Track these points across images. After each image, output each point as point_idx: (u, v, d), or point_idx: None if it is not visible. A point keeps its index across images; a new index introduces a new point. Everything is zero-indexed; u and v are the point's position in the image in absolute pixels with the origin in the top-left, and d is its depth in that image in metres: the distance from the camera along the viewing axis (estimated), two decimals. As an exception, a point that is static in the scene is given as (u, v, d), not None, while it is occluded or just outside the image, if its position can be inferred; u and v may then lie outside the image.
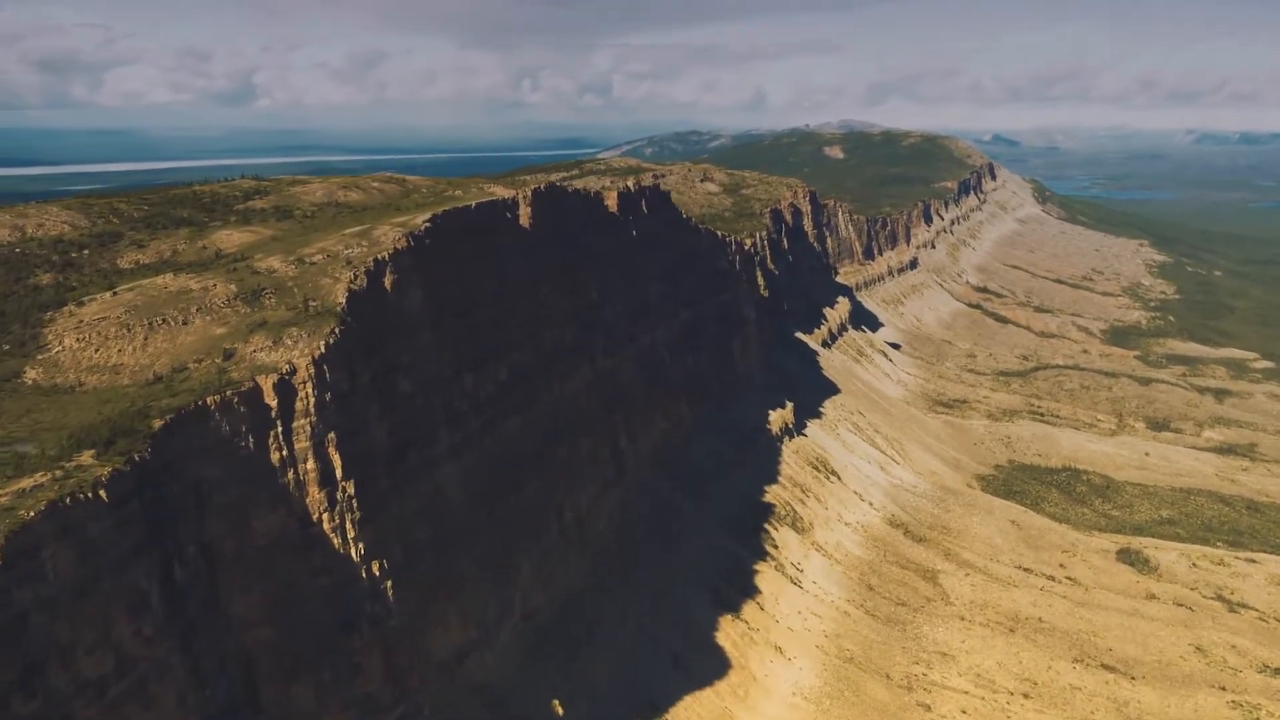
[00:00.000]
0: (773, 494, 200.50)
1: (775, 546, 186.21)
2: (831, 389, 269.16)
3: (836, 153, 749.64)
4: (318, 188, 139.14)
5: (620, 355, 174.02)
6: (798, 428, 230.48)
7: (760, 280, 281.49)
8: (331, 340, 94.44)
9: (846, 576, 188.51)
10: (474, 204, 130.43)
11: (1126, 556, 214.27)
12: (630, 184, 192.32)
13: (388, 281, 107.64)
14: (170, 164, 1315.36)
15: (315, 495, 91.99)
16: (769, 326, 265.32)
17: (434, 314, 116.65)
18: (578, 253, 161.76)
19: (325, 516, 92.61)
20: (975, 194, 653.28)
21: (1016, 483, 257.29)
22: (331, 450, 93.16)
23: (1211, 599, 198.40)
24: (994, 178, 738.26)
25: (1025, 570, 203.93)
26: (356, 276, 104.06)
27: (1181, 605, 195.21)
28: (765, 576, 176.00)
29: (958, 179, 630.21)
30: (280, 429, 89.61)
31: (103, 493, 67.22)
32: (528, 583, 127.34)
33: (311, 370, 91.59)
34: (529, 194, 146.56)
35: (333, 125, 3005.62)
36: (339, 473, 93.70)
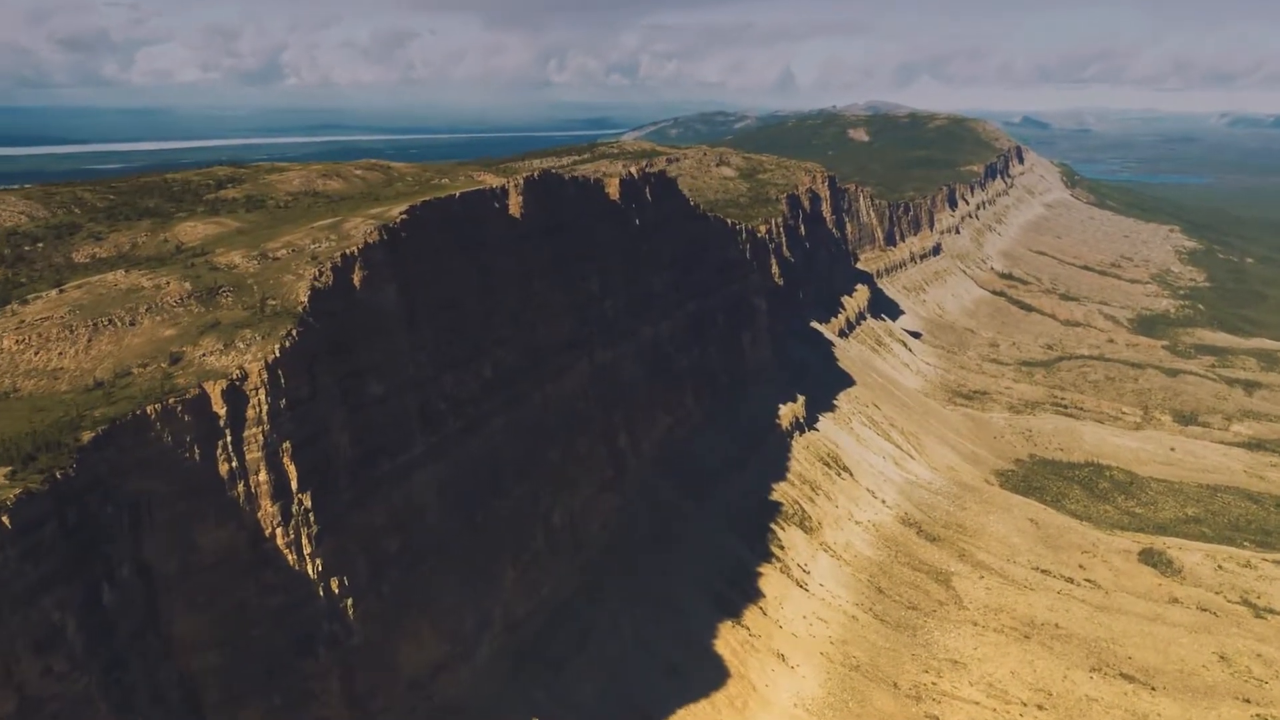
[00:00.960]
0: (781, 492, 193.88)
1: (781, 547, 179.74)
2: (847, 381, 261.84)
3: (861, 135, 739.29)
4: (295, 176, 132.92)
5: (621, 350, 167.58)
6: (809, 422, 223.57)
7: (775, 268, 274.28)
8: (288, 343, 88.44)
9: (855, 579, 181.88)
10: (458, 194, 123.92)
11: (1149, 557, 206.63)
12: (634, 171, 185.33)
13: (357, 278, 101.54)
14: (199, 143, 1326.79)
15: (268, 509, 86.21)
16: (782, 317, 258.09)
17: (410, 311, 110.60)
18: (575, 243, 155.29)
19: (279, 531, 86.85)
20: (1002, 178, 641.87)
21: (1037, 478, 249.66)
22: (286, 460, 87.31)
23: (1237, 603, 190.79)
24: (1021, 161, 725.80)
25: (1043, 572, 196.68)
26: (322, 273, 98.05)
27: (1205, 610, 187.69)
28: (770, 579, 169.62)
29: (984, 162, 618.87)
30: (230, 439, 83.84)
31: (5, 519, 61.42)
32: (511, 592, 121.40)
33: (264, 376, 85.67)
34: (520, 182, 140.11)
35: (360, 104, 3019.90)
36: (294, 484, 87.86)
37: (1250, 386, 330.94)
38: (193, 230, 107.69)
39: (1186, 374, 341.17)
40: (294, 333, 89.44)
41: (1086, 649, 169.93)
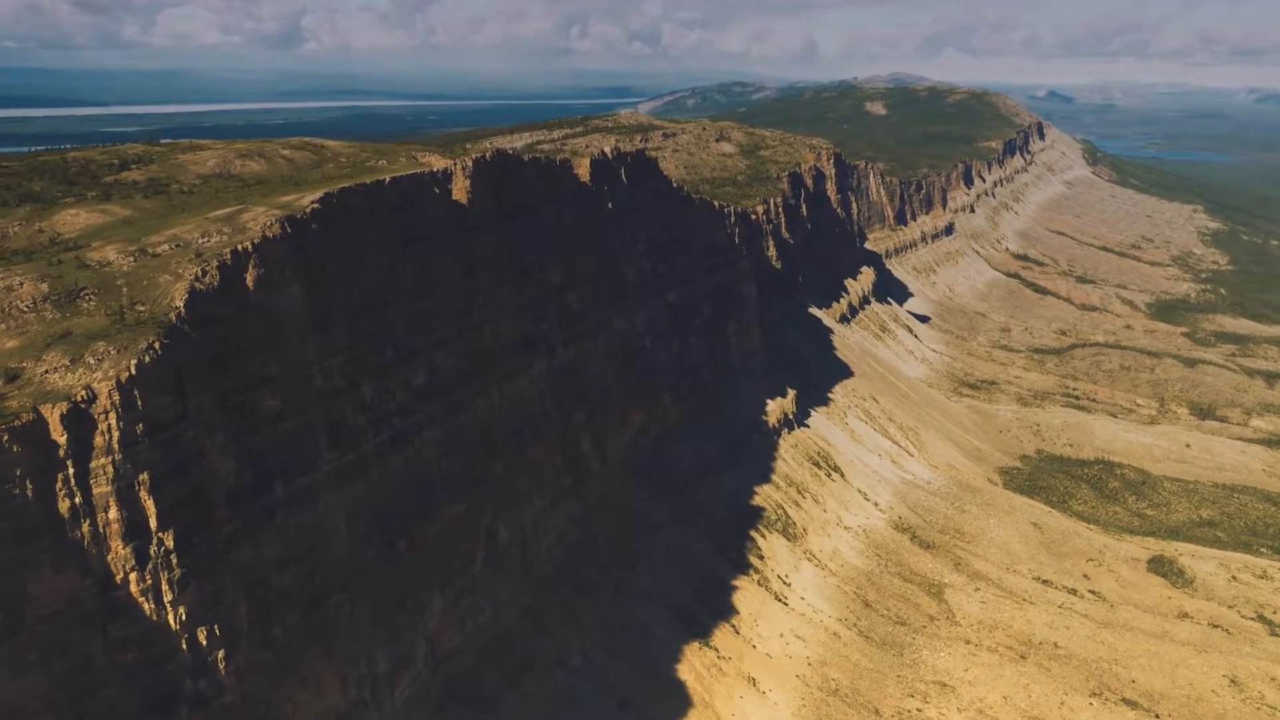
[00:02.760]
0: (763, 495, 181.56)
1: (761, 557, 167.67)
2: (844, 371, 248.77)
3: (878, 108, 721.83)
4: (211, 156, 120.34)
5: (586, 346, 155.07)
6: (800, 418, 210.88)
7: (772, 250, 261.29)
8: (149, 357, 76.36)
9: (840, 591, 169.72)
10: (387, 179, 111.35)
11: (1159, 566, 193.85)
12: (608, 149, 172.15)
13: (250, 277, 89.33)
14: (218, 106, 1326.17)
15: (119, 551, 74.47)
16: (777, 303, 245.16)
17: (321, 313, 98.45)
18: (534, 231, 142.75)
19: (132, 577, 75.11)
20: (1021, 154, 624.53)
21: (1043, 477, 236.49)
22: (143, 494, 75.48)
23: (1251, 619, 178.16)
24: (1042, 137, 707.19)
25: (1044, 583, 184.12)
26: (206, 272, 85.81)
27: (1217, 626, 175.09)
28: (745, 593, 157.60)
29: (1003, 138, 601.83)
30: (72, 471, 72.10)
31: None
32: (439, 623, 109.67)
33: (116, 397, 73.76)
34: (468, 165, 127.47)
35: (380, 70, 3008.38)
36: (153, 521, 76.06)
37: (1272, 378, 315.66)
38: (73, 219, 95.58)
39: (1205, 363, 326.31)
40: (157, 345, 77.33)
41: (1087, 671, 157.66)
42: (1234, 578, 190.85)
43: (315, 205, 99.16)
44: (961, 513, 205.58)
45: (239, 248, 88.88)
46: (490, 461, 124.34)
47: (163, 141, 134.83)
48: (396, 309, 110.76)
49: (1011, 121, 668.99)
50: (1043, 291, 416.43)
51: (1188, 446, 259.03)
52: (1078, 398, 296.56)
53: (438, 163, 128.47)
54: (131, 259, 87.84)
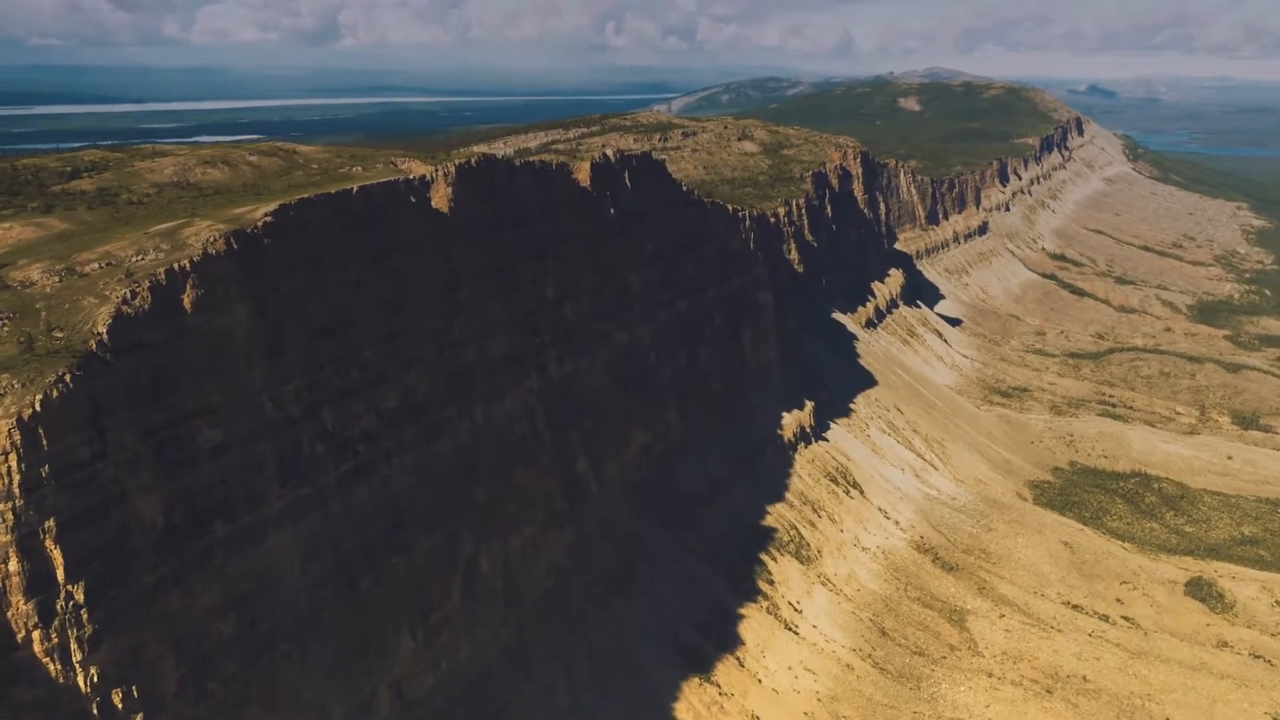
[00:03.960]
0: (776, 515, 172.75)
1: (771, 582, 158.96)
2: (867, 380, 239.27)
3: (912, 104, 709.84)
4: (170, 163, 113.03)
5: (584, 361, 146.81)
6: (818, 431, 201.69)
7: (794, 254, 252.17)
8: (58, 391, 68.88)
9: (856, 618, 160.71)
10: (355, 188, 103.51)
11: (1197, 589, 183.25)
12: (610, 152, 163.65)
13: (187, 299, 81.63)
14: (254, 103, 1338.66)
15: (20, 607, 67.07)
16: (798, 309, 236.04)
17: (273, 336, 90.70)
18: (526, 241, 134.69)
19: (35, 635, 67.67)
20: (1059, 151, 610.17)
21: (1076, 491, 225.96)
22: (49, 543, 68.01)
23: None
24: (1081, 133, 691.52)
25: (1074, 608, 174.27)
26: (135, 294, 78.17)
27: (1259, 657, 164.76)
28: (752, 622, 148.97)
29: (1041, 134, 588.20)
30: (-36, 520, 64.73)
31: None
32: (408, 665, 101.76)
33: (17, 436, 66.30)
34: (450, 171, 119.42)
35: (415, 66, 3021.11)
36: (60, 573, 68.59)
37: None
38: (4, 234, 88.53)
39: (1249, 369, 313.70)
40: (68, 377, 69.80)
41: (1118, 708, 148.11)
42: (1278, 602, 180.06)
43: (268, 219, 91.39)
44: (988, 531, 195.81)
45: (175, 266, 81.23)
46: (471, 488, 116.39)
47: (127, 146, 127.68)
48: (364, 328, 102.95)
49: (1049, 117, 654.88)
50: (1080, 293, 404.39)
51: (1229, 458, 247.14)
52: (1114, 405, 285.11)
53: (418, 169, 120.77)
54: (57, 279, 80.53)
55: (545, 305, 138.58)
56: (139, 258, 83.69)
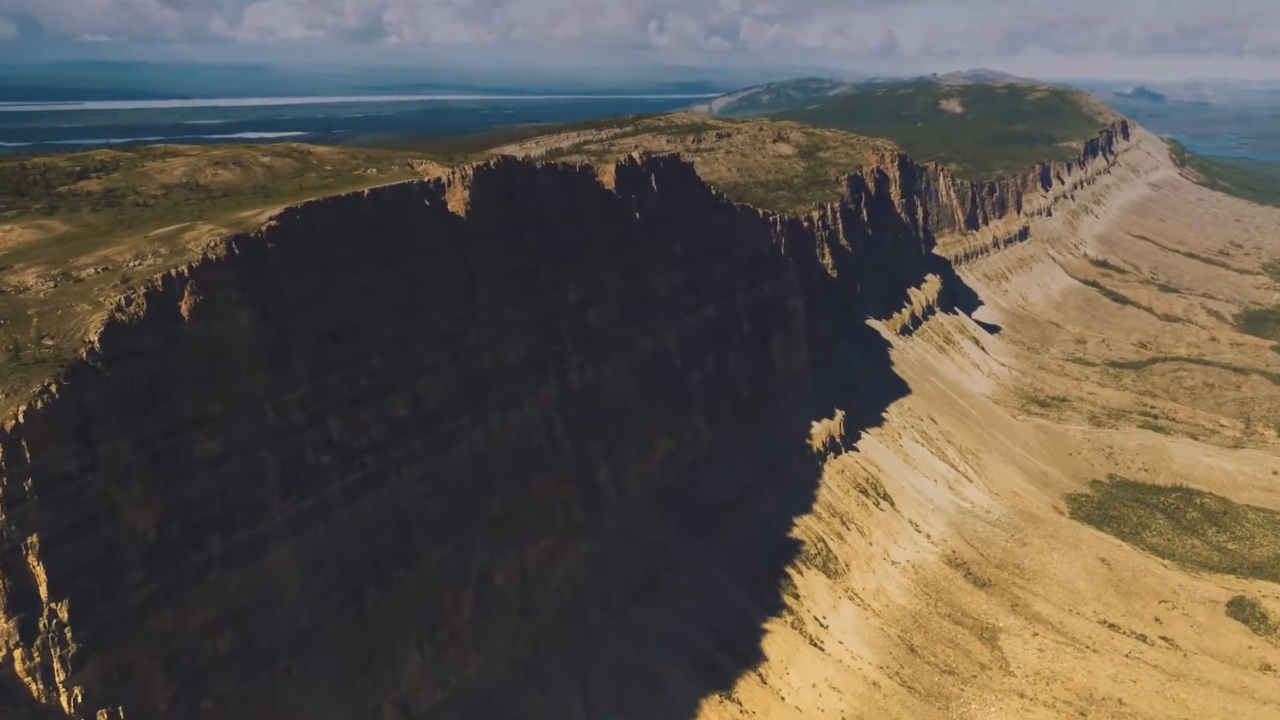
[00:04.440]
0: (803, 527, 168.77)
1: (796, 596, 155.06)
2: (901, 389, 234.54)
3: (954, 106, 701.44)
4: (180, 164, 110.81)
5: (607, 367, 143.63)
6: (848, 440, 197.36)
7: (828, 259, 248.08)
8: (43, 401, 66.56)
9: (883, 634, 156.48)
10: (365, 191, 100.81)
11: (1239, 610, 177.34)
12: (636, 154, 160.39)
13: (185, 305, 79.21)
14: (299, 100, 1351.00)
15: (1, 625, 64.74)
16: (831, 315, 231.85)
17: (277, 342, 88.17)
18: (547, 244, 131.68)
19: (18, 654, 65.34)
20: (1104, 155, 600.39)
21: (1114, 505, 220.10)
22: (31, 560, 65.73)
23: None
24: (1127, 137, 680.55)
25: (1110, 627, 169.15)
26: (130, 301, 75.82)
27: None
28: (776, 637, 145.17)
29: (1085, 138, 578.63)
30: (-57, 535, 62.46)
31: None
32: (415, 680, 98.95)
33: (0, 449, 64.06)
34: (467, 173, 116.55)
35: (458, 64, 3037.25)
36: (44, 590, 66.26)
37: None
38: (4, 237, 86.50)
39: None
40: (54, 387, 67.47)
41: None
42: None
43: (273, 222, 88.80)
44: (1022, 546, 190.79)
45: (173, 272, 78.77)
46: (485, 498, 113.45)
47: (139, 146, 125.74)
48: (373, 334, 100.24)
49: (1094, 120, 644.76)
50: (1122, 300, 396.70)
51: (1275, 473, 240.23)
52: (1155, 417, 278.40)
53: (435, 171, 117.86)
54: (52, 284, 78.28)
55: (567, 310, 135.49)
56: (137, 262, 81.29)
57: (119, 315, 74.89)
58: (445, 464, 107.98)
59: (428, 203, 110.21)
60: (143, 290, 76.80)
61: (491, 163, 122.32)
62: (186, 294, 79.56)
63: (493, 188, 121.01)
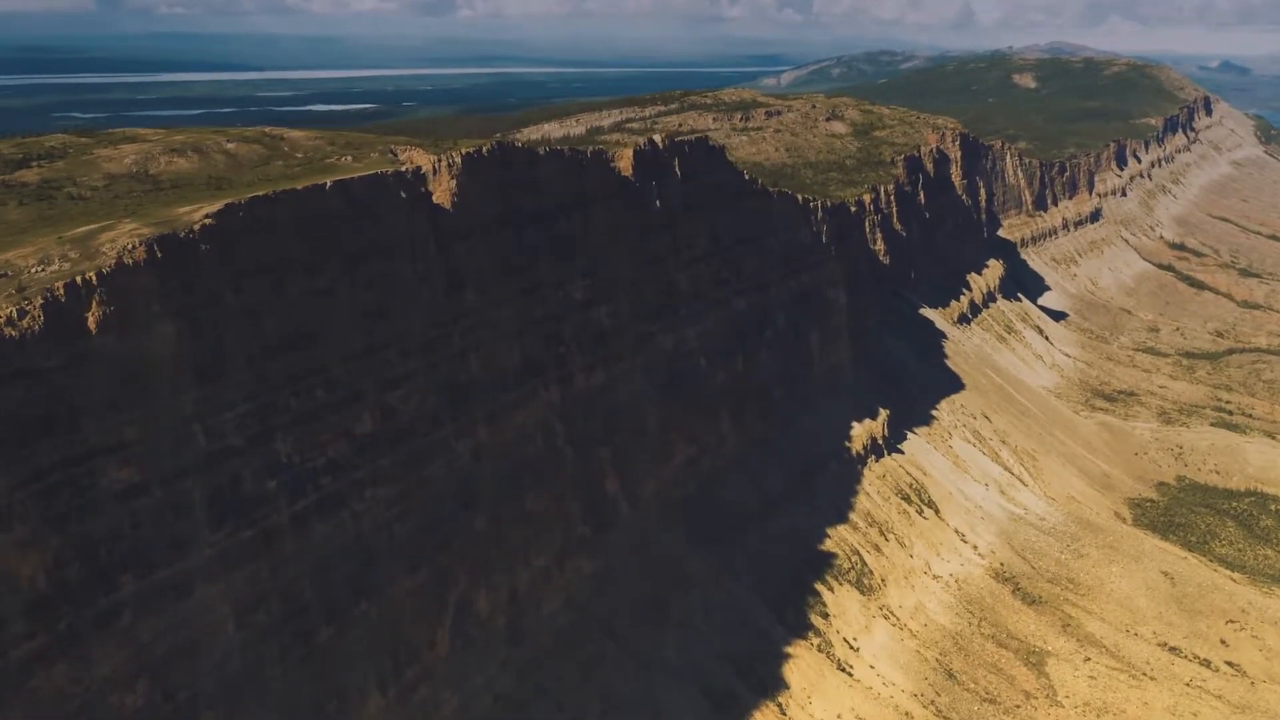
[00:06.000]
0: (836, 539, 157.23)
1: (825, 615, 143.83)
2: (954, 384, 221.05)
3: (1027, 81, 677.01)
4: (133, 150, 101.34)
5: (619, 368, 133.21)
6: (892, 442, 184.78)
7: (880, 245, 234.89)
8: (-107, 437, 57.81)
9: (920, 657, 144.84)
10: (327, 183, 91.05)
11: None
12: (658, 137, 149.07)
13: (92, 316, 70.12)
14: (370, 72, 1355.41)
15: None
16: (881, 305, 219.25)
17: (209, 356, 78.86)
18: (550, 238, 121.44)
19: None
20: (1184, 132, 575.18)
21: (1181, 511, 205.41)
22: (-122, 620, 57.10)
23: None
24: (1209, 113, 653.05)
25: (1171, 650, 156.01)
26: (23, 313, 66.89)
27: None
28: (800, 662, 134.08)
29: (1164, 114, 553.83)
30: None
31: None
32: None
33: None
34: (455, 161, 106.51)
35: (530, 36, 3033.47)
36: (-107, 655, 57.68)
37: None
38: (-90, 238, 78.23)
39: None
40: (-91, 420, 58.67)
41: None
42: None
43: (208, 220, 79.33)
44: (1078, 558, 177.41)
45: (78, 279, 69.66)
46: (469, 517, 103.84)
47: (96, 131, 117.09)
48: (336, 342, 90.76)
49: (1175, 96, 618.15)
50: (1199, 286, 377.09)
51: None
52: (1230, 413, 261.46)
53: (419, 160, 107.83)
54: (-60, 294, 69.46)
55: (572, 308, 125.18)
56: (40, 268, 72.30)
57: (9, 330, 65.95)
58: (420, 482, 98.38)
59: (404, 194, 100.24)
60: (39, 301, 67.81)
61: (484, 149, 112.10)
62: (94, 304, 70.44)
63: (485, 177, 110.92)
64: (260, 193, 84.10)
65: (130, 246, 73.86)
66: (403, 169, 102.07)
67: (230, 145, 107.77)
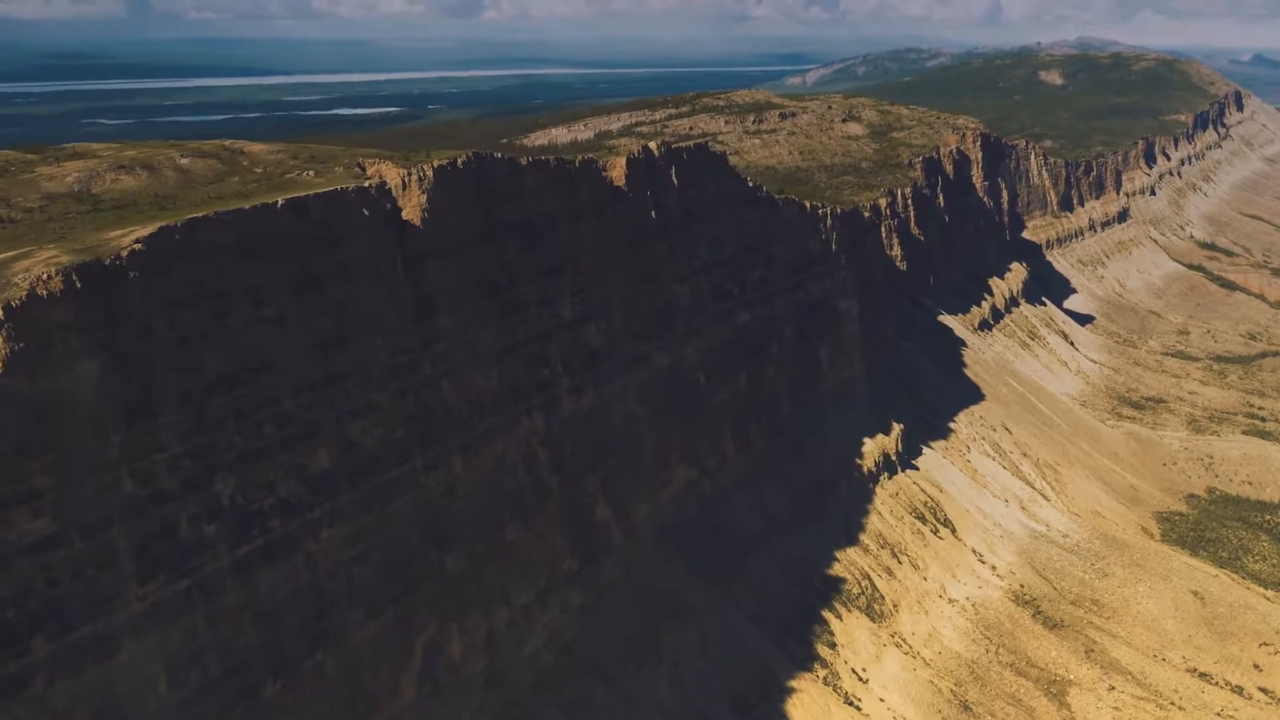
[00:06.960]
0: (845, 562, 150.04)
1: (833, 645, 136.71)
2: (973, 394, 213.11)
3: (1054, 78, 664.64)
4: (77, 168, 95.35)
5: (611, 388, 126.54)
6: (906, 457, 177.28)
7: (896, 250, 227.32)
8: None
9: (933, 688, 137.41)
10: (279, 201, 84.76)
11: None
12: (654, 144, 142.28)
13: (-1, 356, 64.19)
14: (397, 75, 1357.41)
15: None
16: (897, 313, 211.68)
17: (138, 396, 72.78)
18: (534, 254, 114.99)
19: None
20: (1215, 128, 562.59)
21: (1212, 525, 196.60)
22: None
23: None
24: (1241, 108, 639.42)
25: (1201, 677, 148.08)
26: (-83, 355, 61.06)
27: None
28: (804, 696, 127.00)
29: (1194, 111, 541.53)
30: None
31: None
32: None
33: None
34: (428, 174, 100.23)
35: (556, 37, 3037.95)
36: None
37: None
38: None
39: None
40: None
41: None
42: None
43: (137, 246, 73.28)
44: (1103, 577, 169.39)
45: (-14, 314, 63.72)
46: (440, 555, 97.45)
47: (44, 147, 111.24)
48: (287, 374, 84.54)
49: (1205, 91, 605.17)
50: (1230, 286, 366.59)
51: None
52: (1264, 420, 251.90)
53: (388, 174, 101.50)
54: None
55: (559, 327, 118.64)
56: (-58, 303, 66.37)
57: (-102, 374, 60.10)
58: (383, 519, 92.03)
59: (367, 212, 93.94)
60: (-65, 341, 61.96)
61: (459, 161, 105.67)
62: (1, 340, 64.48)
63: (459, 191, 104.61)
64: (200, 214, 77.77)
65: (45, 276, 67.87)
66: (366, 184, 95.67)
67: (184, 161, 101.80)
